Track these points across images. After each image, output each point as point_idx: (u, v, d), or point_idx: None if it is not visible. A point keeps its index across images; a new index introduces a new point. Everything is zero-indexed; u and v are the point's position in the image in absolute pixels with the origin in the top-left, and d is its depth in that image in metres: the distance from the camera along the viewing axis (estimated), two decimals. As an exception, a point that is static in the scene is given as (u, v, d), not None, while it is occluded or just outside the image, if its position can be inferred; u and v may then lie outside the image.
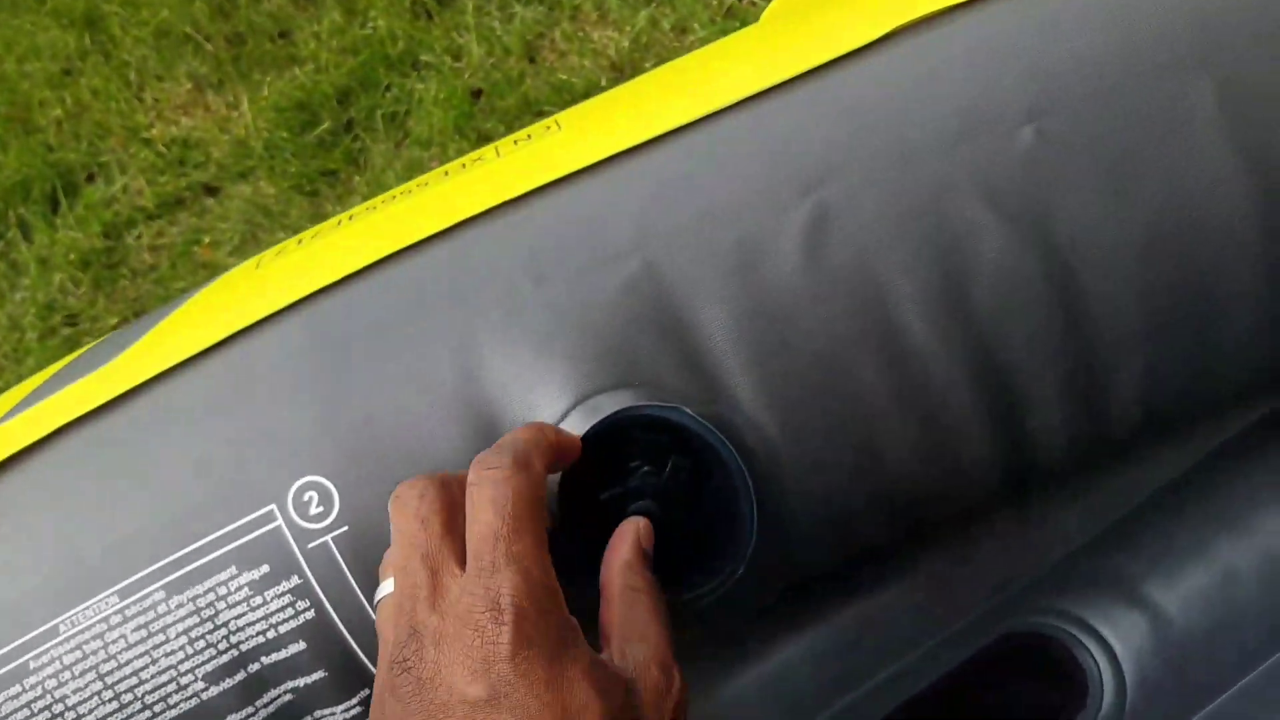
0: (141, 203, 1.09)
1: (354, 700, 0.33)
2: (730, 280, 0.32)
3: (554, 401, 0.31)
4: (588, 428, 0.31)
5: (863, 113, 0.32)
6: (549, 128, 0.37)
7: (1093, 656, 0.38)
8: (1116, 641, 0.38)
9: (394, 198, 0.37)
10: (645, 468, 0.32)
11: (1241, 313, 0.34)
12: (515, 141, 0.37)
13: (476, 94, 1.02)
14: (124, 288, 1.07)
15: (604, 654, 0.27)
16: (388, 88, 1.05)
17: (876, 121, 0.32)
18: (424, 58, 1.04)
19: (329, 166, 1.05)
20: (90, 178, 1.14)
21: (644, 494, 0.32)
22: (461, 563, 0.26)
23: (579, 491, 0.32)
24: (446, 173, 0.37)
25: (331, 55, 1.07)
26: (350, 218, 0.38)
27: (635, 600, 0.28)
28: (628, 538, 0.30)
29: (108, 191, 1.12)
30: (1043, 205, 0.32)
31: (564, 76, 1.00)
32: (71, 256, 1.08)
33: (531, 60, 1.02)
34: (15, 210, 1.13)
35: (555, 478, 0.31)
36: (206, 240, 1.06)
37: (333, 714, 0.33)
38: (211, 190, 1.09)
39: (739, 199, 0.32)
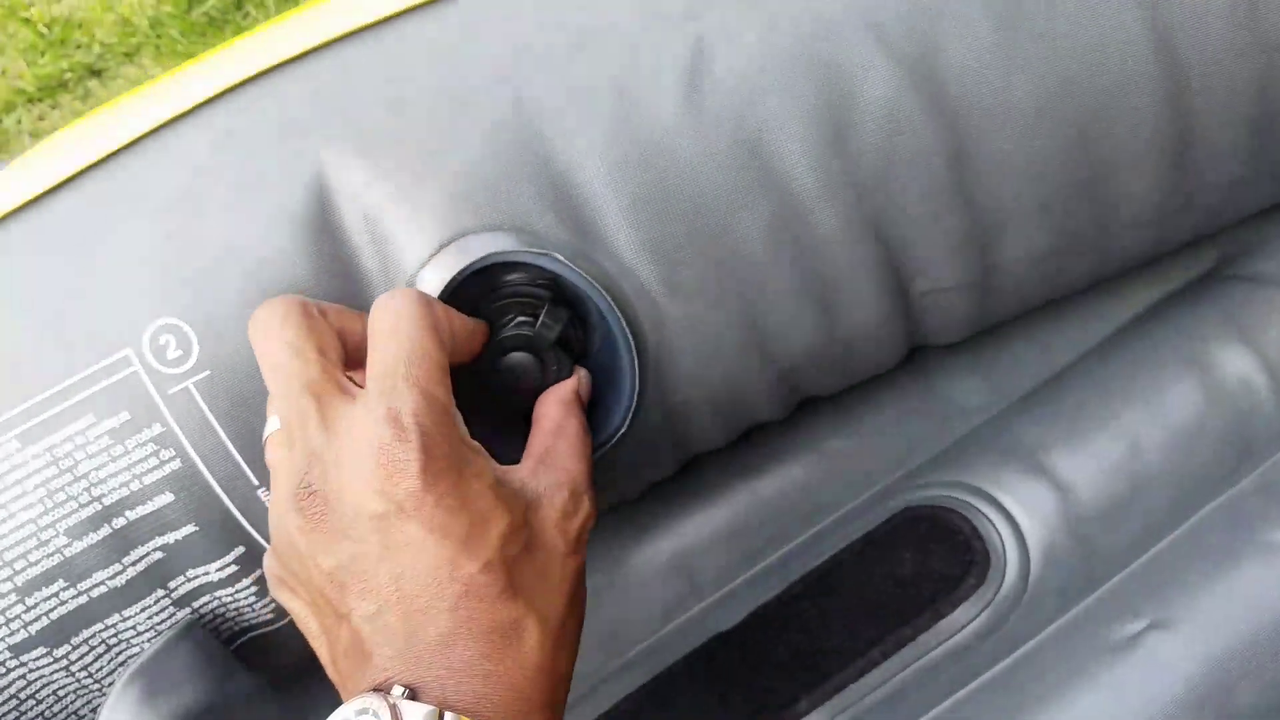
0: (22, 85, 1.04)
1: (229, 558, 0.32)
2: (606, 118, 0.30)
3: (420, 238, 0.30)
4: (462, 265, 0.30)
5: None
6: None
7: (995, 528, 0.38)
8: (1020, 513, 0.38)
9: (254, 31, 0.35)
10: (521, 318, 0.32)
11: (1138, 171, 0.34)
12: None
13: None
14: (1, 172, 1.04)
15: (517, 473, 0.28)
16: (279, -37, 1.01)
17: None
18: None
19: (218, 44, 1.01)
20: (-35, 60, 1.09)
21: (517, 345, 0.31)
22: (343, 389, 0.26)
23: None
24: (298, 8, 0.35)
25: (227, -69, 1.03)
26: (211, 52, 0.36)
27: (560, 432, 0.30)
28: (570, 381, 0.32)
29: (-15, 74, 1.07)
30: (930, 45, 0.31)
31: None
32: (-54, 141, 1.04)
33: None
34: (-115, 97, 1.08)
35: None
36: (91, 125, 1.02)
37: (206, 573, 0.33)
38: (95, 72, 1.04)
39: (614, 33, 0.31)
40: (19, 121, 1.04)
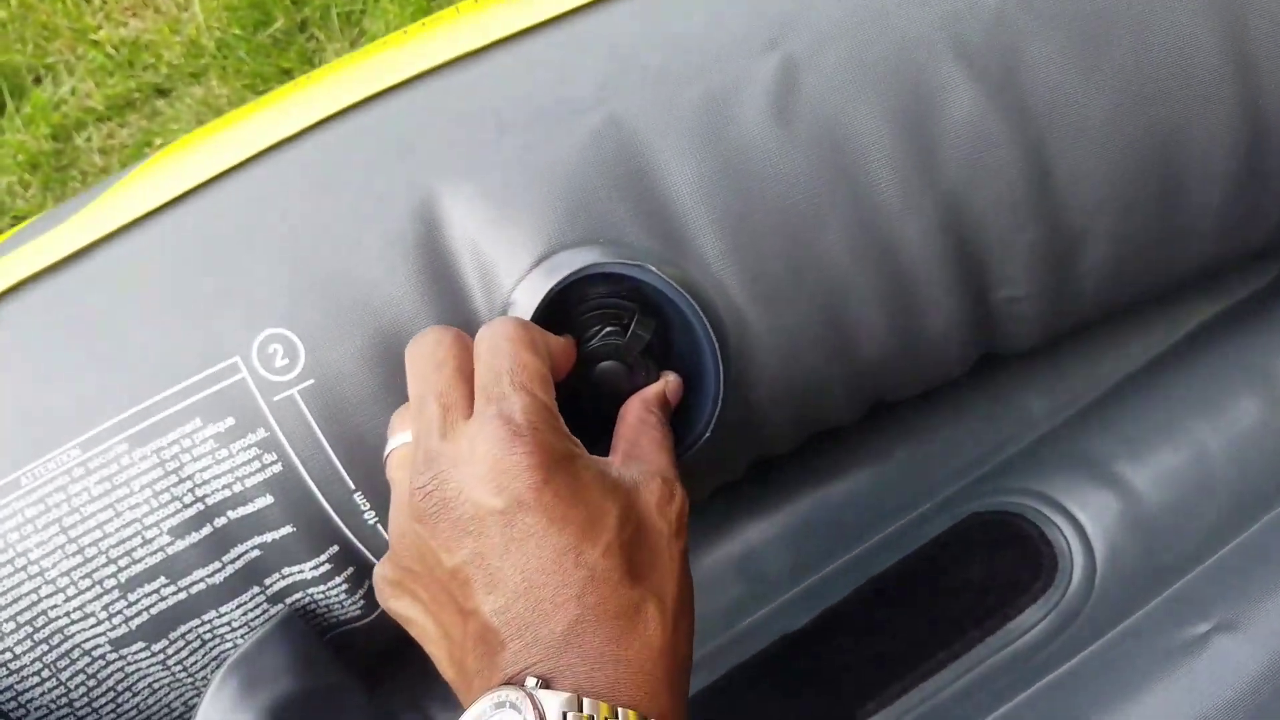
0: (91, 104, 1.05)
1: (323, 557, 0.33)
2: (696, 134, 0.31)
3: (516, 256, 0.31)
4: (551, 284, 0.31)
5: None
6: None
7: (1062, 533, 0.39)
8: (1086, 518, 0.39)
9: (351, 58, 0.36)
10: (609, 328, 0.32)
11: (1210, 183, 0.35)
12: (466, 7, 0.36)
13: (436, -7, 1.00)
14: (74, 190, 1.04)
15: (611, 464, 0.29)
16: (345, -13, 1.02)
17: None
18: (384, -45, 1.01)
19: (283, 66, 1.02)
20: (38, 80, 1.10)
21: (607, 355, 0.32)
22: (470, 405, 0.27)
23: None
24: (407, 32, 0.36)
25: (288, -47, 1.03)
26: (308, 78, 0.37)
27: (644, 429, 0.31)
28: (657, 384, 0.33)
29: (56, 94, 1.08)
30: (1012, 63, 0.32)
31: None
32: (20, 158, 1.04)
33: (496, -41, 0.99)
34: (-40, 112, 1.09)
35: None
36: (158, 142, 1.03)
37: (301, 571, 0.34)
38: (163, 92, 1.06)
39: (706, 51, 0.32)
40: (89, 139, 1.05)
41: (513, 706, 0.22)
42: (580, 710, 0.22)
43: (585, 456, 0.27)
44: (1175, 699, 0.35)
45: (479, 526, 0.25)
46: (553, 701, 0.22)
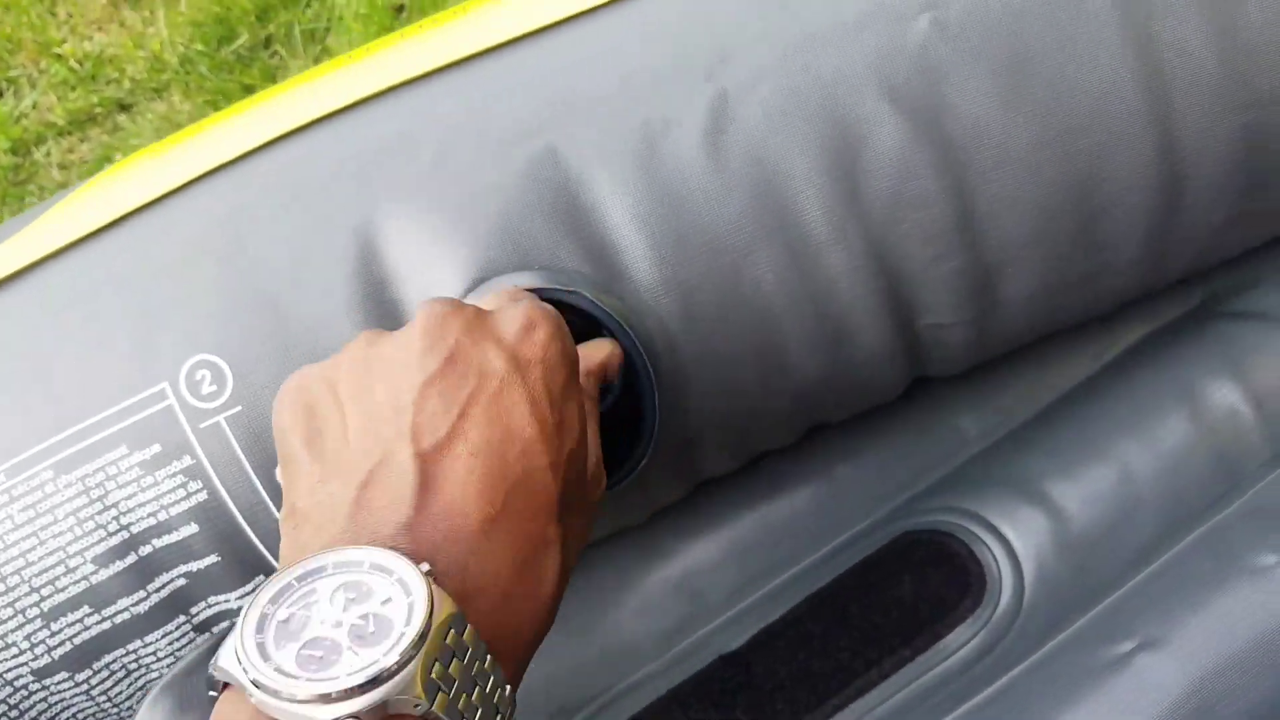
0: (52, 119, 1.05)
1: (249, 586, 0.33)
2: (632, 164, 0.32)
3: (452, 281, 0.31)
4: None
5: None
6: (455, 14, 0.37)
7: (991, 552, 0.39)
8: (1015, 538, 0.40)
9: (299, 81, 0.37)
10: None
11: (1131, 217, 0.35)
12: (421, 28, 0.37)
13: (399, 9, 1.00)
14: (31, 204, 1.03)
15: None
16: (308, 4, 1.02)
17: (780, 5, 0.32)
18: (346, -28, 1.01)
19: (245, 82, 1.02)
20: (-1, 93, 1.09)
21: None
22: None
23: None
24: (352, 57, 0.37)
25: (250, -32, 1.03)
26: (253, 101, 0.37)
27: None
28: (598, 354, 0.31)
29: (17, 107, 1.07)
30: (936, 98, 0.32)
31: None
32: (-23, 172, 1.03)
33: (458, -23, 1.00)
34: (-80, 124, 1.08)
35: None
36: (118, 157, 1.03)
37: (227, 600, 0.33)
38: (125, 107, 1.05)
39: (643, 82, 0.32)
40: (48, 154, 1.04)
41: (399, 580, 0.20)
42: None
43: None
44: (1100, 717, 0.35)
45: (479, 380, 0.24)
46: (439, 602, 0.20)
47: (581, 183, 0.32)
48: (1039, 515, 0.40)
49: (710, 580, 0.42)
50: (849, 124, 0.32)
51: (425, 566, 0.20)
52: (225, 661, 0.19)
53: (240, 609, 0.33)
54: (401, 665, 0.19)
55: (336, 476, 0.22)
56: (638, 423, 0.34)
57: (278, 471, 0.25)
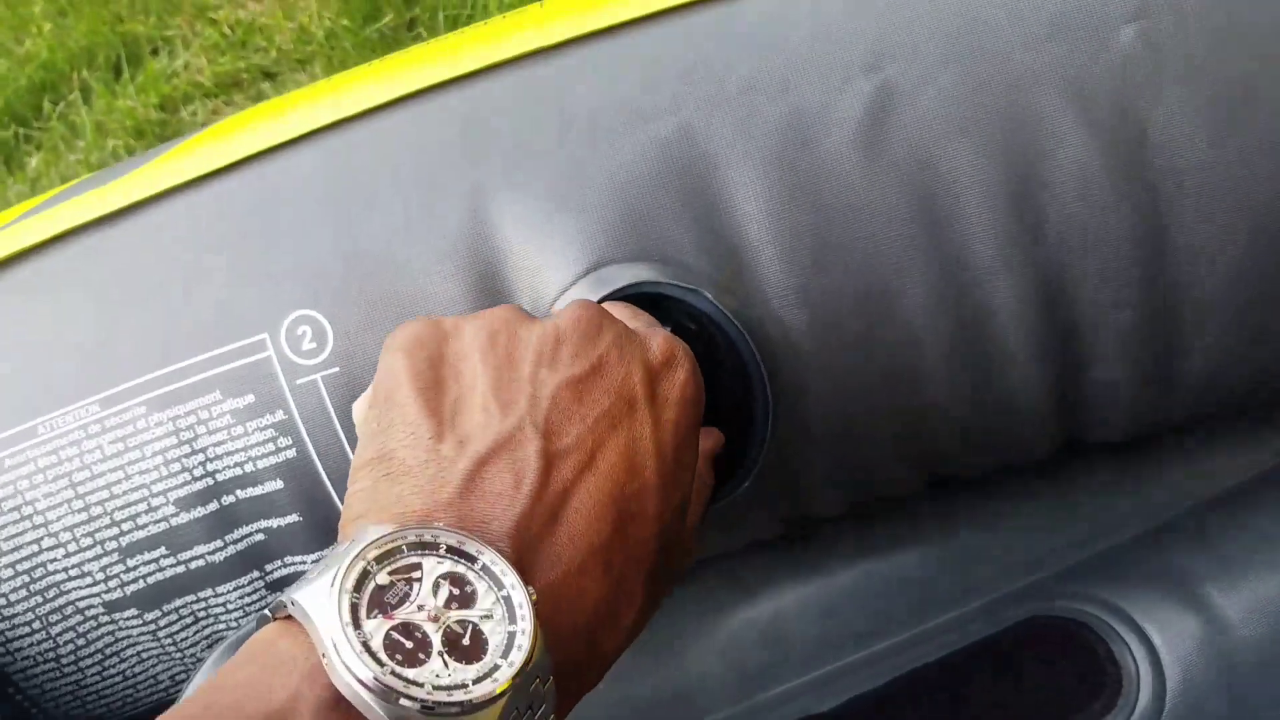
0: (201, 80, 1.09)
1: (327, 552, 0.32)
2: (774, 157, 0.29)
3: (563, 265, 0.29)
4: (596, 298, 0.29)
5: None
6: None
7: (1131, 652, 0.35)
8: (1162, 640, 0.35)
9: (432, 43, 0.36)
10: None
11: None
12: (559, 3, 0.35)
13: None
14: (174, 161, 1.07)
15: None
16: (456, -12, 1.03)
17: (963, 2, 0.29)
18: (496, -40, 1.02)
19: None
20: (155, 51, 1.14)
21: None
22: None
23: None
24: (488, 22, 0.35)
25: (405, -50, 1.06)
26: (383, 60, 0.36)
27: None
28: (706, 440, 0.29)
29: (170, 66, 1.12)
30: (1135, 119, 0.28)
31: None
32: (128, 124, 1.08)
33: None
34: (80, 74, 1.13)
35: None
36: (259, 125, 1.06)
37: (303, 562, 0.32)
38: (269, 75, 1.08)
39: (795, 69, 0.29)
40: (194, 113, 1.09)
41: (492, 575, 0.19)
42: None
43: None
44: None
45: (616, 389, 0.23)
46: (521, 596, 0.19)
47: (714, 171, 0.29)
48: (1192, 619, 0.35)
49: (799, 630, 0.39)
50: (1030, 137, 0.29)
51: (533, 593, 0.19)
52: (308, 602, 0.18)
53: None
54: (487, 703, 0.17)
55: (452, 437, 0.21)
56: (744, 440, 0.32)
57: (358, 405, 0.24)
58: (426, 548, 0.19)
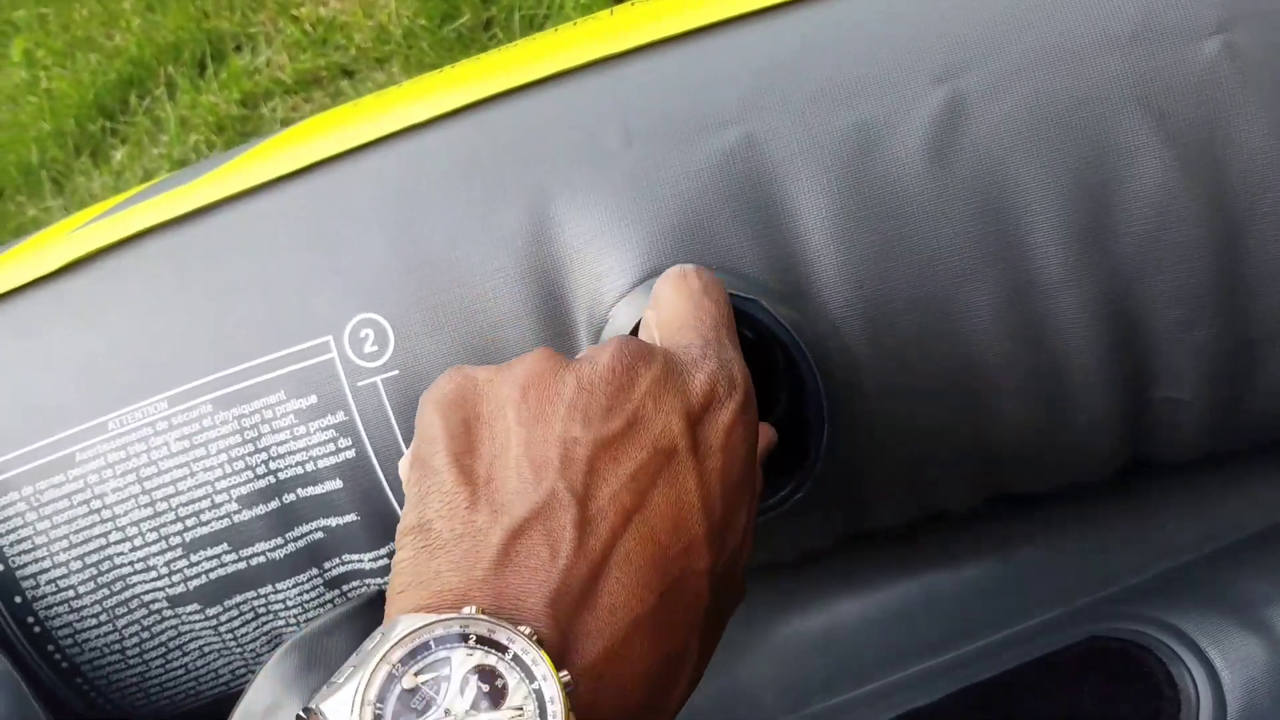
0: (282, 77, 1.11)
1: (383, 550, 0.32)
2: (838, 167, 0.29)
3: (623, 271, 0.29)
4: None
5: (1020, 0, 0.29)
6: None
7: (1192, 677, 0.33)
8: (1224, 665, 0.33)
9: (500, 50, 0.36)
10: None
11: None
12: (633, 3, 0.35)
13: (618, 1, 1.00)
14: (253, 157, 1.10)
15: None
16: (532, -10, 1.04)
17: (1034, 11, 0.28)
18: (572, -38, 1.02)
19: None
20: (238, 48, 1.17)
21: None
22: None
23: None
24: (557, 30, 0.35)
25: (482, -49, 1.06)
26: (453, 67, 0.36)
27: None
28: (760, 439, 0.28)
29: (252, 62, 1.14)
30: (1216, 134, 0.28)
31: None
32: (210, 119, 1.11)
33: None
34: (165, 69, 1.17)
35: None
36: (336, 121, 1.08)
37: (360, 560, 0.33)
38: (348, 73, 1.10)
39: (863, 79, 0.29)
40: (274, 109, 1.11)
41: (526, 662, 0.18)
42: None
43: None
44: None
45: (657, 441, 0.22)
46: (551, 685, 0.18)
47: (776, 180, 0.29)
48: (1256, 645, 0.33)
49: (855, 644, 0.38)
50: (1105, 149, 0.28)
51: (567, 678, 0.18)
52: (334, 713, 0.18)
53: (371, 569, 0.32)
54: None
55: (486, 506, 0.21)
56: (800, 448, 0.31)
57: (402, 465, 0.24)
58: (452, 641, 0.18)
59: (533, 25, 1.03)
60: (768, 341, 0.30)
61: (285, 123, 1.11)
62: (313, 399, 0.30)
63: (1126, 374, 0.30)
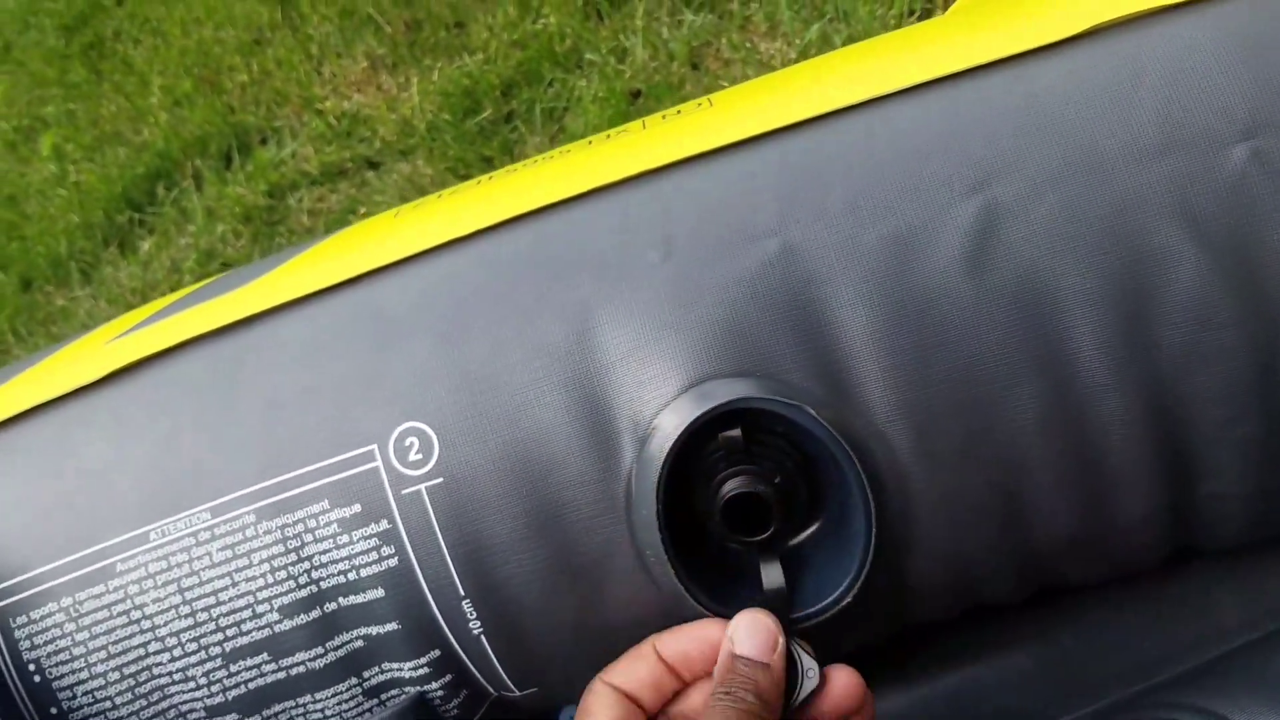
0: (307, 168, 1.14)
1: (424, 659, 0.32)
2: (877, 276, 0.29)
3: (666, 379, 0.29)
4: (699, 412, 0.29)
5: (1050, 111, 0.29)
6: (700, 105, 0.36)
7: None
8: None
9: (536, 162, 0.37)
10: (755, 467, 0.30)
11: None
12: (664, 116, 0.36)
13: (635, 95, 1.02)
14: (280, 245, 1.12)
15: None
16: (550, 83, 1.07)
17: (1065, 122, 0.29)
18: (589, 56, 1.05)
19: (485, 153, 1.07)
20: (264, 140, 1.20)
21: (744, 498, 0.30)
22: None
23: (683, 477, 0.30)
24: (590, 142, 0.36)
25: (501, 47, 1.10)
26: (490, 178, 0.37)
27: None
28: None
29: (278, 155, 1.17)
30: (1249, 237, 0.28)
31: (726, 85, 0.99)
32: (236, 210, 1.13)
33: (695, 67, 1.01)
34: (193, 161, 1.20)
35: (664, 453, 0.29)
36: (363, 210, 1.10)
37: (400, 669, 0.32)
38: (373, 164, 1.13)
39: (898, 190, 0.29)
40: (300, 200, 1.14)
41: None
42: None
43: None
44: None
45: None
46: None
47: (817, 289, 0.30)
48: None
49: (900, 733, 0.38)
50: (1142, 255, 0.28)
51: None
52: None
53: (410, 678, 0.32)
54: None
55: None
56: (846, 556, 0.31)
57: None
58: None
59: (552, 118, 1.06)
60: (812, 448, 0.30)
61: (311, 213, 1.13)
62: (357, 508, 0.30)
63: (1171, 471, 0.30)
